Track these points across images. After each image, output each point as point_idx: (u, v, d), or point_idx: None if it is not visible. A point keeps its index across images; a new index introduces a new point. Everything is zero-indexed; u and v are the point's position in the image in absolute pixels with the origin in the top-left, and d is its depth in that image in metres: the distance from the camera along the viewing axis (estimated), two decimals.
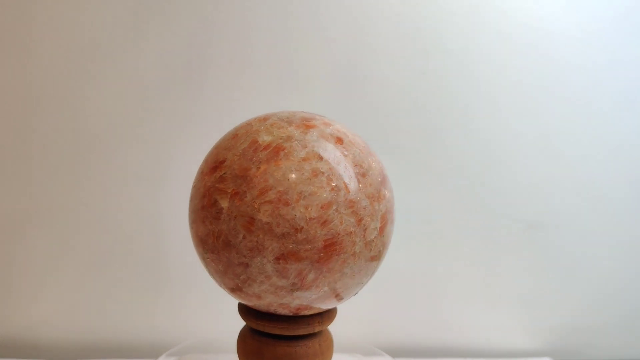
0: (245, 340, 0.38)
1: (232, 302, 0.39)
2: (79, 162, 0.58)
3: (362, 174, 0.33)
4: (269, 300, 0.33)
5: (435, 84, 0.60)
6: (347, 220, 0.32)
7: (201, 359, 0.52)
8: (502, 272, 0.64)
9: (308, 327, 0.36)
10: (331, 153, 0.33)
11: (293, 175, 0.31)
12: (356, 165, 0.33)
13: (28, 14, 0.56)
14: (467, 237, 0.63)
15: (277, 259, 0.31)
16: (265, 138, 0.33)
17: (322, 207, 0.31)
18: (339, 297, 0.34)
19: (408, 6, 0.58)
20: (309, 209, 0.31)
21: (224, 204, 0.32)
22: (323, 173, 0.32)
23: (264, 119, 0.35)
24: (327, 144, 0.33)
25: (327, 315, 0.37)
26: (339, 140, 0.34)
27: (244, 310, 0.37)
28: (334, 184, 0.32)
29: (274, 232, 0.31)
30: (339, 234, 0.31)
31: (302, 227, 0.31)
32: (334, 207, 0.31)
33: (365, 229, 0.33)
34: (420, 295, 0.64)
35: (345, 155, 0.33)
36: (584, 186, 0.63)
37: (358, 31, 0.58)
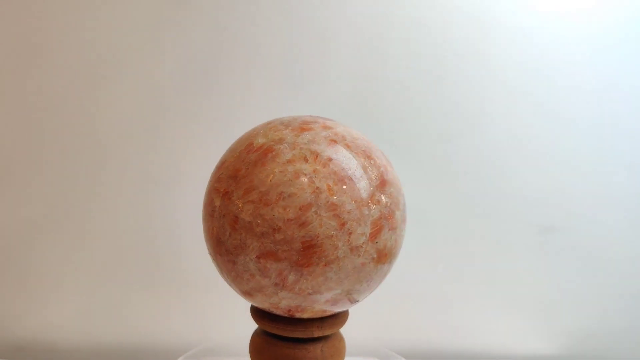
0: (254, 337, 0.39)
1: (248, 305, 0.40)
2: (93, 168, 0.60)
3: (349, 177, 0.32)
4: (259, 299, 0.34)
5: (449, 89, 0.61)
6: (327, 224, 0.31)
7: None
8: (517, 275, 0.64)
9: (305, 331, 0.36)
10: (319, 156, 0.32)
11: (275, 177, 0.32)
12: (345, 168, 0.33)
13: (46, 21, 0.57)
14: (482, 240, 0.63)
15: (258, 257, 0.32)
16: (259, 140, 0.34)
17: (300, 209, 0.31)
18: (330, 302, 0.34)
19: (420, 11, 0.59)
20: (287, 210, 0.31)
21: (217, 202, 0.34)
22: (306, 175, 0.32)
23: (267, 123, 0.36)
24: (317, 146, 0.33)
25: (331, 321, 0.37)
26: (331, 143, 0.34)
27: (254, 308, 0.38)
28: (316, 186, 0.31)
29: (254, 232, 0.32)
30: (318, 237, 0.31)
31: (280, 227, 0.31)
32: (314, 209, 0.31)
33: (350, 233, 0.32)
34: (435, 299, 0.64)
35: (334, 158, 0.33)
36: (599, 189, 0.63)
37: (371, 37, 0.59)
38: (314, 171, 0.32)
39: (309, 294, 0.33)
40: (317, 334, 0.36)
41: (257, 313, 0.37)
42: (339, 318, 0.37)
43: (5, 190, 0.60)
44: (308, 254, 0.31)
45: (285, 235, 0.31)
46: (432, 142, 0.62)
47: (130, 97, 0.59)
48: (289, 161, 0.32)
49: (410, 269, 0.61)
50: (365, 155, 0.34)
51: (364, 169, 0.33)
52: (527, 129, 0.62)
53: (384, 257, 0.34)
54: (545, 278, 0.64)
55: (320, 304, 0.34)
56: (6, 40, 0.57)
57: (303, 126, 0.34)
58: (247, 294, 0.34)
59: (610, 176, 0.63)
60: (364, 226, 0.32)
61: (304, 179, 0.32)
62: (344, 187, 0.32)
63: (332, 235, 0.31)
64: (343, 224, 0.32)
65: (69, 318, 0.62)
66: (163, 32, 0.58)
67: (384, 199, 0.33)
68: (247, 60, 0.59)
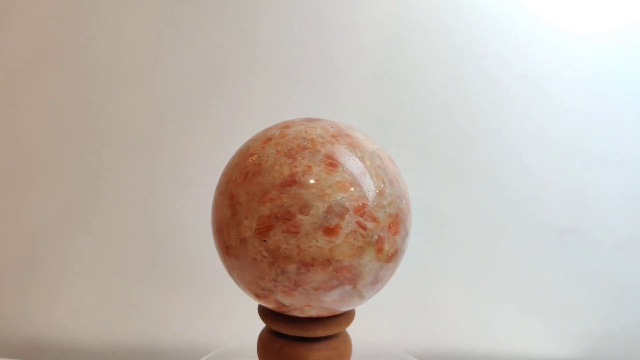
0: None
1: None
2: (102, 169, 0.60)
3: (254, 172, 0.33)
4: None
5: (468, 90, 0.60)
6: (225, 211, 0.34)
7: None
8: (536, 277, 0.64)
9: (266, 319, 0.37)
10: (247, 151, 0.35)
11: (224, 167, 0.37)
12: (256, 164, 0.34)
13: (55, 26, 0.57)
14: (500, 242, 0.63)
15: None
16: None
17: (218, 195, 0.36)
18: (253, 293, 0.35)
19: (440, 12, 0.59)
20: (215, 194, 0.36)
21: None
22: (230, 167, 0.36)
23: None
24: (253, 143, 0.36)
25: (291, 322, 0.36)
26: (266, 141, 0.35)
27: None
28: (229, 177, 0.35)
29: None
30: (220, 222, 0.35)
31: (214, 209, 0.37)
32: (222, 197, 0.35)
33: (239, 224, 0.33)
34: (452, 300, 0.64)
35: (255, 154, 0.34)
36: (618, 190, 0.62)
37: (390, 37, 0.59)
38: (236, 164, 0.35)
39: (231, 273, 0.36)
40: (273, 327, 0.37)
41: None
42: (303, 324, 0.36)
43: (14, 191, 0.61)
44: (217, 236, 0.35)
45: (213, 217, 0.36)
46: (450, 143, 0.62)
47: (140, 99, 0.60)
48: (233, 155, 0.37)
49: (427, 269, 0.63)
50: (288, 155, 0.33)
51: (271, 167, 0.33)
52: (547, 130, 0.62)
53: (282, 260, 0.32)
54: (563, 280, 0.64)
55: (246, 291, 0.36)
56: (16, 46, 0.59)
57: (273, 125, 0.37)
58: None
59: (631, 178, 0.62)
60: (250, 220, 0.33)
61: (232, 170, 0.36)
62: (244, 181, 0.34)
63: (228, 223, 0.34)
64: (234, 214, 0.34)
65: (78, 318, 0.63)
66: (172, 33, 0.58)
67: (282, 199, 0.32)
68: (266, 62, 0.57)
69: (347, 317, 0.38)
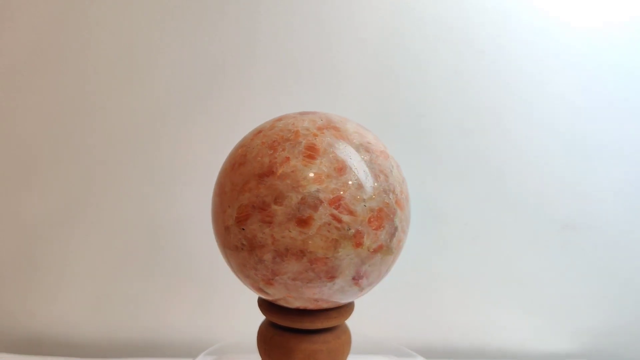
0: None
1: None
2: (104, 166, 0.59)
3: (240, 163, 0.34)
4: None
5: (468, 84, 0.60)
6: (216, 200, 0.36)
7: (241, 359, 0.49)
8: (536, 273, 0.64)
9: (269, 313, 0.38)
10: (238, 144, 0.37)
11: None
12: (242, 155, 0.35)
13: (55, 25, 0.57)
14: (501, 238, 0.63)
15: None
16: None
17: (215, 184, 0.37)
18: (246, 282, 0.36)
19: (440, 7, 0.59)
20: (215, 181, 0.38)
21: None
22: (228, 157, 0.37)
23: None
24: (247, 136, 0.37)
25: (283, 312, 0.37)
26: (257, 133, 0.36)
27: None
28: (223, 167, 0.37)
29: None
30: (212, 211, 0.37)
31: (212, 199, 0.38)
32: (215, 187, 0.37)
33: (224, 212, 0.34)
34: (453, 296, 0.64)
35: (243, 146, 0.36)
36: (619, 186, 0.63)
37: (390, 32, 0.59)
38: (229, 155, 0.37)
39: (225, 260, 0.37)
40: (267, 316, 0.38)
41: None
42: (292, 315, 0.37)
43: (15, 189, 0.61)
44: (212, 224, 0.37)
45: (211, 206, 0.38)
46: (451, 137, 0.61)
47: (139, 98, 0.59)
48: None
49: (428, 266, 0.63)
50: (270, 147, 0.34)
51: (252, 158, 0.34)
52: (548, 126, 0.61)
53: (258, 249, 0.33)
54: (565, 275, 0.64)
55: (239, 278, 0.37)
56: (16, 46, 0.59)
57: (270, 119, 0.38)
58: None
59: (632, 174, 0.62)
60: (232, 208, 0.34)
61: (224, 162, 0.37)
62: (231, 171, 0.35)
63: (217, 211, 0.35)
64: (221, 203, 0.35)
65: (79, 314, 0.63)
66: (172, 31, 0.58)
67: (259, 189, 0.33)
68: (266, 57, 0.57)
69: (338, 312, 0.38)
